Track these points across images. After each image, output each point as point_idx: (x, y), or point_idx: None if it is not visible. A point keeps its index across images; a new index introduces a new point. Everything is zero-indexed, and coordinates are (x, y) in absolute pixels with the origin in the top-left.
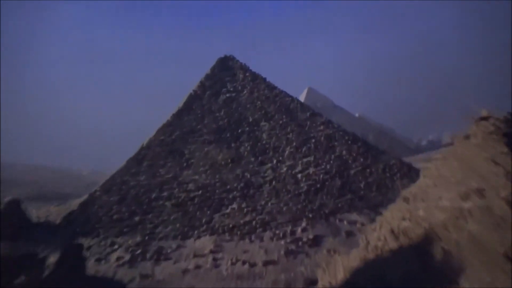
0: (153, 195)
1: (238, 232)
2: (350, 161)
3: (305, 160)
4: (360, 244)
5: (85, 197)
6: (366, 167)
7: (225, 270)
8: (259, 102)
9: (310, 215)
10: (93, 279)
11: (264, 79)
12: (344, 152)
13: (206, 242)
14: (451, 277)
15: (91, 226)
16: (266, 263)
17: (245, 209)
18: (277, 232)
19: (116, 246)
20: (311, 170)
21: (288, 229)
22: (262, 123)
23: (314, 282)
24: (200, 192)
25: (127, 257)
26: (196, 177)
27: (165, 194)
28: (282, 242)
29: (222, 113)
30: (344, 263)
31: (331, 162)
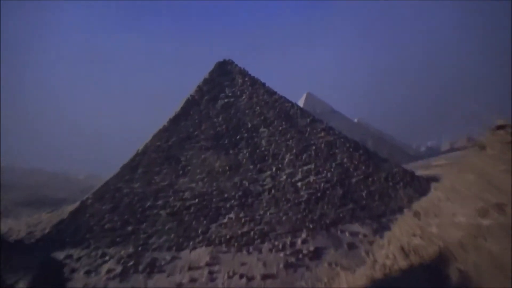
0: (148, 204)
1: (236, 244)
2: (351, 169)
3: (305, 168)
4: (362, 256)
5: (76, 205)
6: (368, 176)
7: (222, 284)
8: (258, 108)
9: (311, 226)
10: None
11: (264, 84)
12: (345, 160)
13: (202, 254)
14: None
15: (82, 236)
16: (264, 277)
17: (243, 219)
18: (276, 243)
19: (107, 258)
20: (311, 178)
21: (288, 240)
22: (261, 129)
23: None
24: (197, 200)
25: (118, 269)
26: (193, 185)
27: (160, 202)
28: (282, 254)
29: (220, 118)
30: (349, 282)
31: (332, 170)
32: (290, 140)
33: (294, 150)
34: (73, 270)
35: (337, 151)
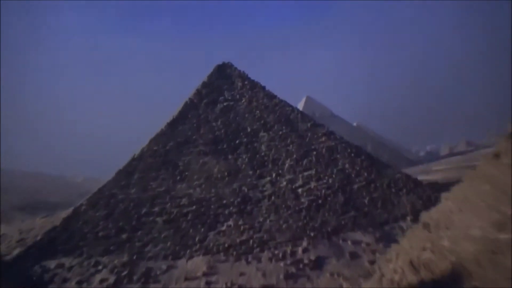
0: (143, 210)
1: (234, 252)
2: (353, 175)
3: (306, 173)
4: (365, 266)
5: (69, 211)
6: (370, 182)
7: None
8: (257, 112)
9: (312, 234)
10: None
11: (263, 87)
12: (347, 166)
13: (199, 263)
14: None
15: (74, 243)
16: None
17: (242, 227)
18: (276, 252)
19: (100, 267)
20: (312, 184)
21: (288, 249)
22: (261, 134)
23: None
24: (194, 207)
25: (111, 279)
26: (190, 191)
27: (156, 209)
28: (282, 264)
29: (219, 123)
30: None
31: (333, 176)
32: (291, 145)
33: (295, 155)
34: (64, 280)
35: (338, 156)
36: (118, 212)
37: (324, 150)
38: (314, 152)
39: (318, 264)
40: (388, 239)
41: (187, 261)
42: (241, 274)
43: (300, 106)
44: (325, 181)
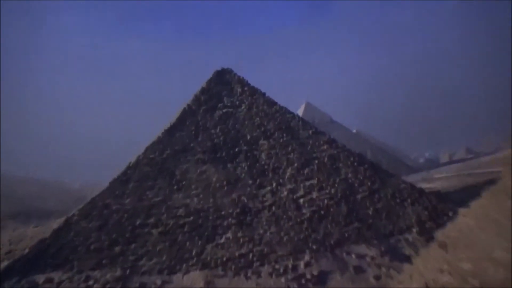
0: (138, 221)
1: (233, 266)
2: (356, 185)
3: (307, 183)
4: (370, 282)
5: (61, 221)
6: (374, 192)
7: None
8: (257, 119)
9: (314, 247)
10: None
11: (263, 94)
12: (349, 175)
13: (195, 278)
14: None
15: (65, 257)
16: None
17: (241, 239)
18: (277, 267)
19: (91, 282)
20: (314, 194)
21: (290, 263)
22: (261, 142)
23: None
24: (191, 218)
25: None
26: (188, 201)
27: (151, 220)
28: (283, 279)
29: (217, 130)
30: None
31: (336, 185)
32: (292, 154)
33: (296, 164)
34: None
35: (341, 165)
36: (111, 223)
37: (326, 158)
38: (316, 161)
39: (321, 279)
40: (394, 253)
41: (183, 276)
42: None
43: (300, 112)
44: (327, 191)
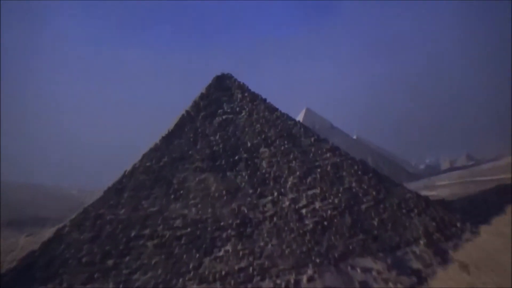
0: (133, 233)
1: (232, 281)
2: (360, 195)
3: (310, 192)
4: None
5: (52, 230)
6: (379, 202)
7: None
8: (258, 126)
9: (317, 260)
10: None
11: (264, 100)
12: (353, 184)
13: None
14: None
15: (54, 270)
16: None
17: (241, 252)
18: (278, 281)
19: None
20: (317, 204)
21: (292, 277)
22: (262, 149)
23: None
24: (189, 230)
25: None
26: (185, 211)
27: (147, 231)
28: None
29: (217, 137)
30: None
31: (340, 195)
32: (293, 162)
33: (298, 173)
34: None
35: (344, 173)
36: (104, 234)
37: (329, 167)
38: (319, 169)
39: None
40: (401, 266)
41: None
42: None
43: (300, 118)
44: (330, 200)
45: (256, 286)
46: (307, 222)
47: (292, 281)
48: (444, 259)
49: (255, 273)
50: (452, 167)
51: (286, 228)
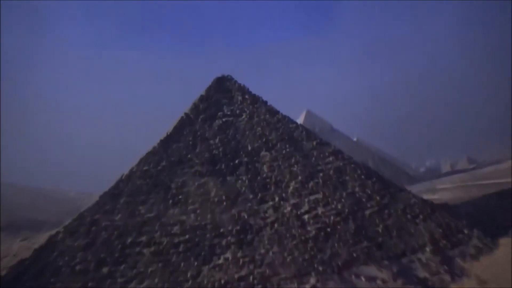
0: (129, 240)
1: None
2: (364, 200)
3: (312, 197)
4: None
5: (44, 238)
6: (383, 208)
7: None
8: (259, 129)
9: (320, 268)
10: None
11: (265, 102)
12: (357, 189)
13: None
14: None
15: (46, 279)
16: None
17: (241, 260)
18: None
19: None
20: (319, 210)
21: (294, 286)
22: (263, 153)
23: None
24: (187, 236)
25: None
26: (183, 217)
27: (143, 238)
28: None
29: (217, 140)
30: None
31: (343, 200)
32: (295, 166)
33: (300, 177)
34: None
35: (347, 178)
36: (99, 241)
37: (331, 171)
38: (321, 174)
39: None
40: (407, 275)
41: None
42: None
43: (300, 120)
44: (333, 206)
45: None
46: (309, 228)
47: None
48: (451, 268)
49: (255, 282)
50: (453, 170)
51: (287, 235)
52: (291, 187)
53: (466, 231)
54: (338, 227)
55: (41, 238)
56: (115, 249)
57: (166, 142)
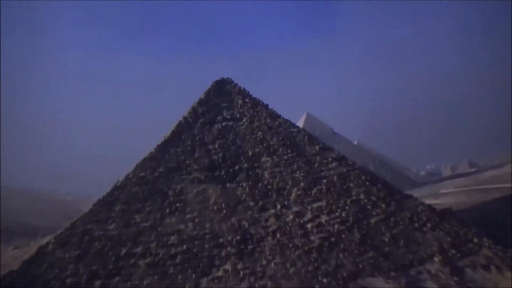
0: (124, 251)
1: None
2: (369, 207)
3: (315, 205)
4: None
5: (35, 246)
6: (389, 216)
7: None
8: (260, 133)
9: (324, 280)
10: None
11: (266, 106)
12: (361, 196)
13: None
14: None
15: None
16: None
17: (241, 272)
18: None
19: None
20: (323, 218)
21: None
22: (264, 159)
23: None
24: (185, 247)
25: None
26: (181, 226)
27: (139, 249)
28: None
29: (216, 145)
30: None
31: (347, 208)
32: (297, 172)
33: (302, 184)
34: None
35: (351, 185)
36: (92, 252)
37: (335, 177)
38: (324, 180)
39: None
40: (415, 287)
41: None
42: None
43: (300, 123)
44: (337, 214)
45: None
46: (312, 238)
47: None
48: (462, 279)
49: None
50: (454, 174)
51: (290, 245)
52: (293, 194)
53: (476, 240)
54: (343, 236)
55: (33, 247)
56: (109, 260)
57: (164, 147)
